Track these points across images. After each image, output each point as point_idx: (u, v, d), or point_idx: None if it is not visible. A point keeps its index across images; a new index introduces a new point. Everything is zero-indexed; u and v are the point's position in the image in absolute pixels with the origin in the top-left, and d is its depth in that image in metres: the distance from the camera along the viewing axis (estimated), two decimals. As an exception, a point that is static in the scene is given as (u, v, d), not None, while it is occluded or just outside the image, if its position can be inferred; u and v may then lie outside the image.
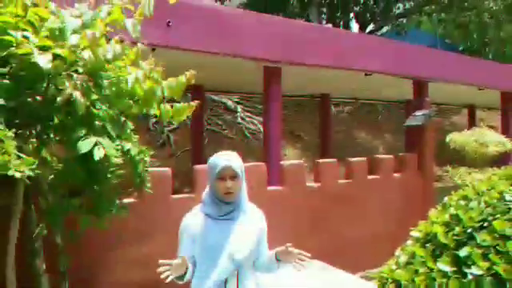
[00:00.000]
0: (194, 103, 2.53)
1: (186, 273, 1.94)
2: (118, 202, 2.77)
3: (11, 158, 1.60)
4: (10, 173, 1.58)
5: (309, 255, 2.00)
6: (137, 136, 2.54)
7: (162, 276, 1.76)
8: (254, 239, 2.12)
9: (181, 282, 2.00)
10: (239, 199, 2.11)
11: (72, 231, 2.63)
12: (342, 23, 16.09)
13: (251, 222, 2.15)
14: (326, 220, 5.22)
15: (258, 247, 2.15)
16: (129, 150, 2.25)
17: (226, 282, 2.01)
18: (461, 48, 18.95)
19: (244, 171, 2.12)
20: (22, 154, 1.68)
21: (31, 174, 1.65)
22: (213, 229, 2.04)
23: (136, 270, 3.77)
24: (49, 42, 1.94)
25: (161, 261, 1.79)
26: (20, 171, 1.61)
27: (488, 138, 6.73)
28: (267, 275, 2.23)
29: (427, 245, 1.49)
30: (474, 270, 1.19)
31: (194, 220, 2.09)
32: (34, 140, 2.14)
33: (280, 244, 2.02)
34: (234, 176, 2.03)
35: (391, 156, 6.18)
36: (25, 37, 1.96)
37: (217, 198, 2.08)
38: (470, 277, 1.19)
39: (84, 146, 1.88)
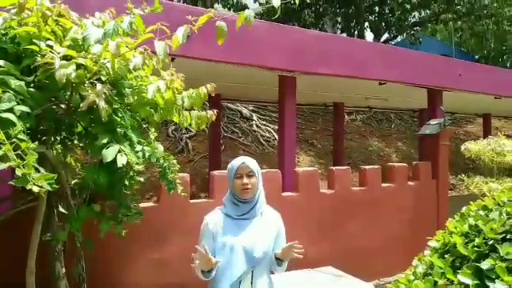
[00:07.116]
0: (213, 113, 2.57)
1: (213, 269, 2.05)
2: (134, 207, 2.81)
3: (31, 172, 1.60)
4: (29, 186, 1.57)
5: (300, 246, 2.11)
6: (159, 143, 2.58)
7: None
8: (270, 240, 2.21)
9: (207, 279, 2.09)
10: (256, 199, 2.22)
11: (90, 240, 2.67)
12: (356, 33, 16.06)
13: (268, 223, 2.24)
14: (340, 227, 5.20)
15: (273, 248, 2.23)
16: (150, 156, 2.29)
17: (240, 282, 2.09)
18: (477, 56, 18.73)
19: (260, 174, 2.26)
20: (41, 168, 1.66)
21: (49, 188, 1.64)
22: (231, 227, 2.16)
23: (155, 273, 3.84)
24: (72, 52, 1.96)
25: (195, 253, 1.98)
26: (38, 186, 1.60)
27: (505, 147, 6.61)
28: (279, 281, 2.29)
29: (446, 255, 1.46)
30: (499, 285, 1.15)
31: (213, 219, 2.21)
32: (59, 146, 2.19)
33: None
34: (251, 174, 2.18)
35: (405, 164, 6.14)
36: (49, 46, 2.00)
37: (235, 198, 2.21)
38: (494, 291, 1.15)
39: (109, 154, 1.91)
